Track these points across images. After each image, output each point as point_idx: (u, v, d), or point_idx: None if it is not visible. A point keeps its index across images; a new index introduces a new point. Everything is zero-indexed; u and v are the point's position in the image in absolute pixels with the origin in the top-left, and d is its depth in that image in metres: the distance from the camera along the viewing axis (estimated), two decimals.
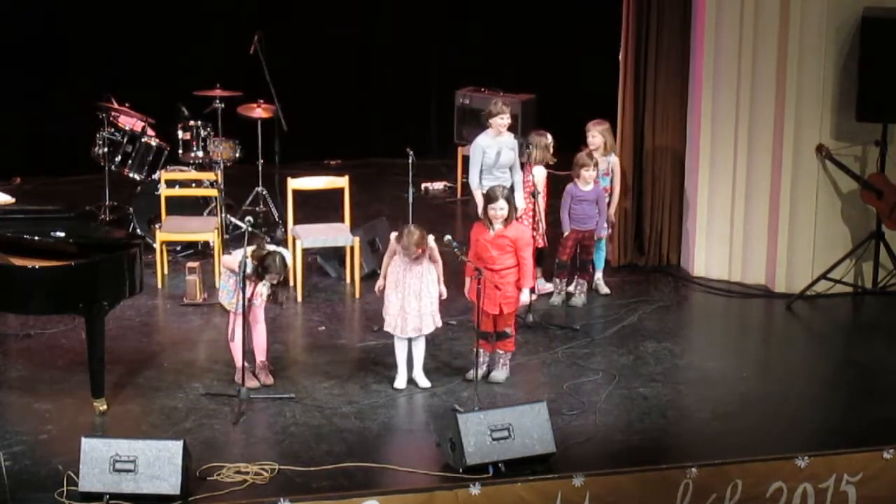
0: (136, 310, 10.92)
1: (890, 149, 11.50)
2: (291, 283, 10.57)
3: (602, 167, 11.32)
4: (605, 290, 11.61)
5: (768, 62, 11.53)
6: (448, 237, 9.63)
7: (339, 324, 10.89)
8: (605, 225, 11.47)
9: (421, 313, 9.52)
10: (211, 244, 11.81)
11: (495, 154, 10.98)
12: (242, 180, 13.18)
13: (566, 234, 11.22)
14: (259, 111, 12.91)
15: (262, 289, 9.46)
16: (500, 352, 9.74)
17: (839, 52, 11.40)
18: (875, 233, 11.55)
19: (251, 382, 9.42)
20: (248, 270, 9.18)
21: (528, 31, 15.37)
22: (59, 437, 8.76)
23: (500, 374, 9.74)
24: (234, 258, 9.43)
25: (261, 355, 9.66)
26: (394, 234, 9.62)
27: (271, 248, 9.46)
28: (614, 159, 11.56)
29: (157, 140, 12.93)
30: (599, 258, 11.64)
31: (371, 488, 8.16)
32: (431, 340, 10.33)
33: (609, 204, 11.48)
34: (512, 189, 10.68)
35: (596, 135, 11.47)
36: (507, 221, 9.57)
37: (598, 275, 11.66)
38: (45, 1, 14.26)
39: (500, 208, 9.53)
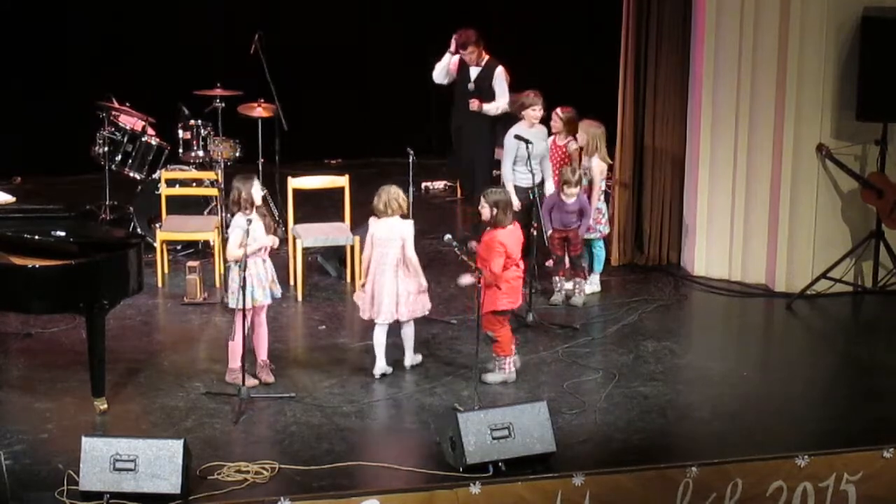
0: (137, 309, 10.92)
1: (890, 148, 11.50)
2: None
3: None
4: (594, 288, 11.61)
5: (768, 62, 11.53)
6: (448, 236, 9.65)
7: (339, 323, 10.88)
8: (604, 221, 11.48)
9: (411, 291, 9.62)
10: (211, 243, 11.81)
11: (529, 145, 11.13)
12: None
13: (549, 233, 11.20)
14: (259, 110, 12.89)
15: (259, 233, 9.42)
16: (494, 354, 9.75)
17: (839, 52, 11.40)
18: (875, 232, 11.56)
19: (251, 382, 9.42)
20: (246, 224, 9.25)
21: (528, 31, 15.37)
22: (59, 436, 8.75)
23: (491, 376, 9.71)
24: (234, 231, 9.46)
25: (262, 355, 9.67)
26: (368, 228, 9.63)
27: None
28: (595, 163, 11.40)
29: (158, 139, 12.93)
30: (599, 259, 11.64)
31: (371, 488, 8.15)
32: (431, 340, 10.36)
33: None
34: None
35: (583, 134, 11.49)
36: (493, 224, 9.56)
37: (594, 277, 11.64)
38: (45, 1, 14.27)
39: (479, 206, 9.62)
